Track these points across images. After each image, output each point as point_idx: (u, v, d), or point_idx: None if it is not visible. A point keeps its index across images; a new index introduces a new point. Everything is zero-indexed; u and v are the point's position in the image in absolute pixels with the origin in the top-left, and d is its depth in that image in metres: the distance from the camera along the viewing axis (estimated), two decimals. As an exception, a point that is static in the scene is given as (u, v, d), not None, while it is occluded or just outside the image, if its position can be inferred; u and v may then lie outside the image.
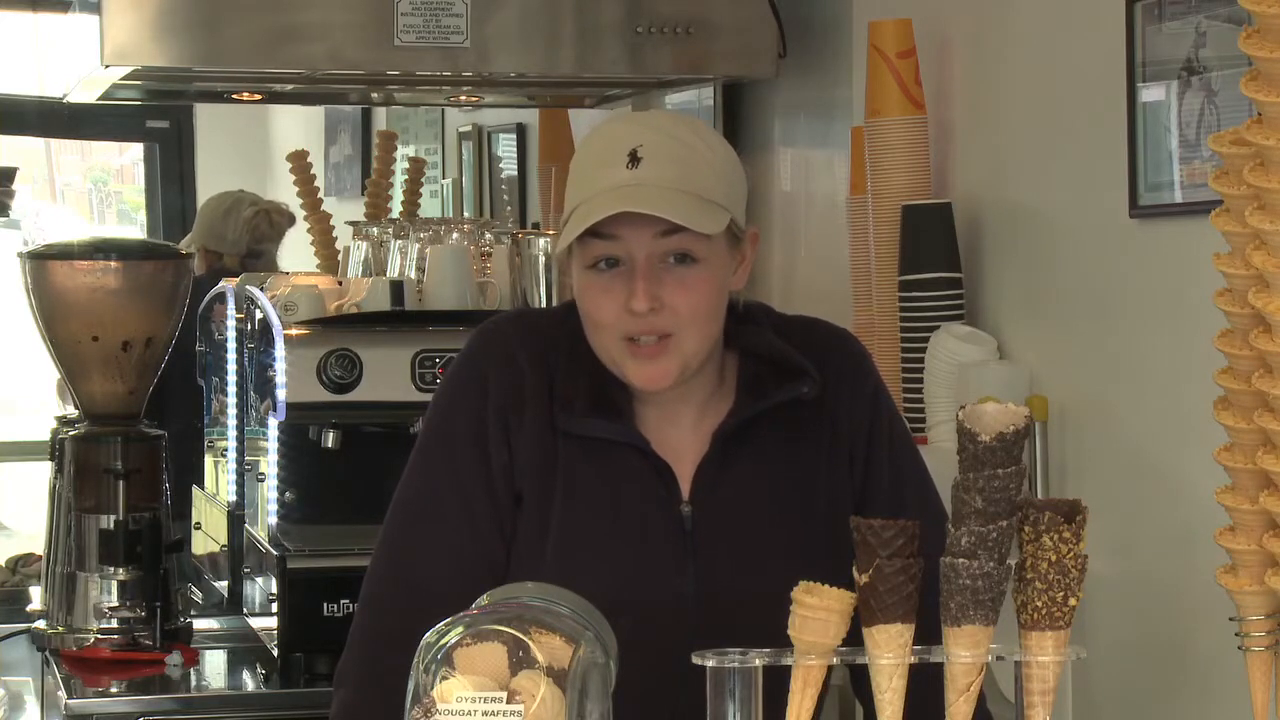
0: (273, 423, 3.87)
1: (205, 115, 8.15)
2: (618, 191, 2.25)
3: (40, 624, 3.98)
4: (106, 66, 4.06)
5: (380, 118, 7.67)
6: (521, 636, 1.91)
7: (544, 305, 4.18)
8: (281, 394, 3.75)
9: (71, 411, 4.26)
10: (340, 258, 5.13)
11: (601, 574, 2.31)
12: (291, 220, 5.98)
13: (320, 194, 6.36)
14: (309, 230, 6.13)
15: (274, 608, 3.71)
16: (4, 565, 4.79)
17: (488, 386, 2.38)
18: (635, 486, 2.37)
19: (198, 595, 4.35)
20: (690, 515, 2.37)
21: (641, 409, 2.38)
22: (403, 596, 2.38)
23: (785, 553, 2.35)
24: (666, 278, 2.27)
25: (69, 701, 3.64)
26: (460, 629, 1.91)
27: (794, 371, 2.38)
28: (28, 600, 4.34)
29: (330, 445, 3.88)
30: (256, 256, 5.80)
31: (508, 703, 1.87)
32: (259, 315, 3.93)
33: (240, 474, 4.17)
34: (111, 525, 3.89)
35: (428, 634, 1.92)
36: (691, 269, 2.28)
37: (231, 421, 4.22)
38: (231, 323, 4.18)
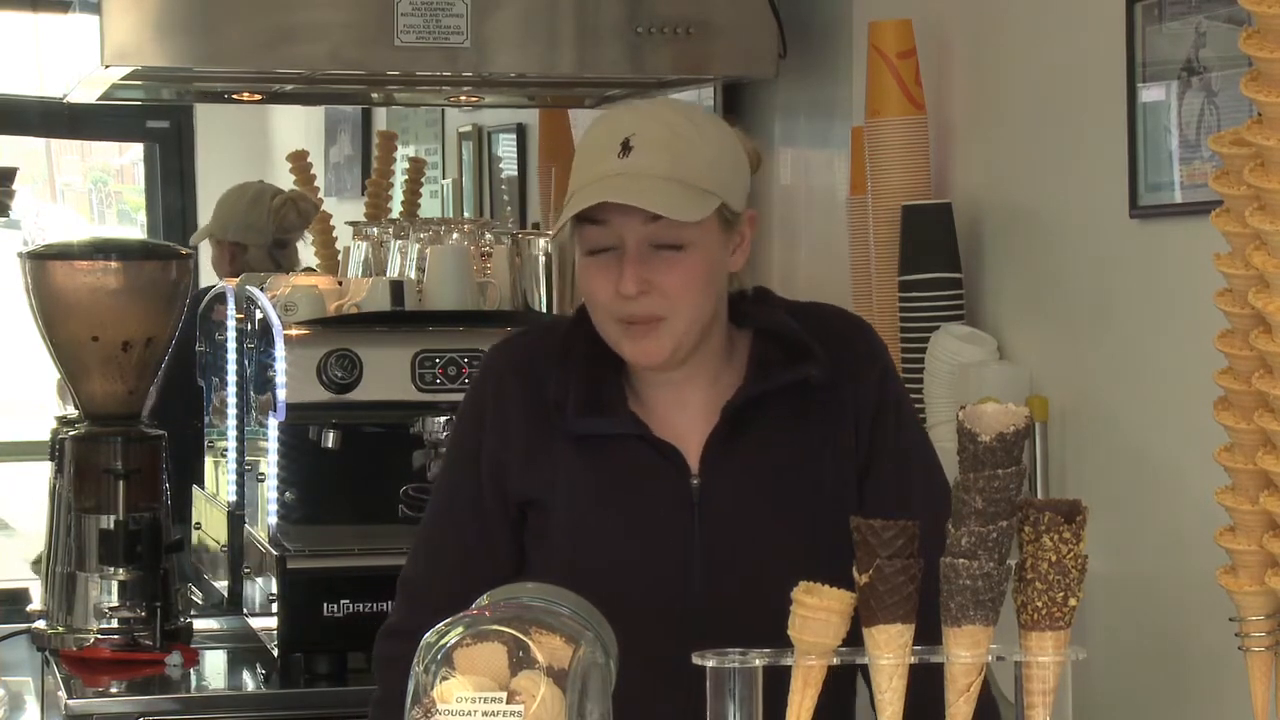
0: (273, 423, 3.87)
1: (205, 115, 8.15)
2: (607, 181, 2.34)
3: (40, 624, 3.98)
4: (106, 66, 4.06)
5: (380, 118, 7.66)
6: (521, 636, 1.91)
7: (544, 305, 4.19)
8: (281, 394, 3.75)
9: (71, 411, 4.26)
10: (340, 258, 5.13)
11: (608, 556, 2.42)
12: (316, 208, 5.95)
13: (320, 194, 6.36)
14: (309, 230, 6.13)
15: (274, 608, 3.71)
16: (31, 563, 4.78)
17: (483, 412, 2.51)
18: (639, 471, 2.44)
19: (198, 595, 4.35)
20: (699, 487, 2.43)
21: (649, 392, 2.46)
22: (411, 599, 2.54)
23: (790, 526, 2.42)
24: (655, 261, 2.36)
25: (69, 701, 3.64)
26: (460, 629, 1.91)
27: (803, 353, 2.45)
28: (28, 600, 4.34)
29: (330, 445, 3.88)
30: (283, 246, 5.77)
31: (508, 703, 1.87)
32: (259, 315, 3.93)
33: (240, 474, 4.17)
34: (111, 525, 3.89)
35: (428, 634, 1.93)
36: (680, 253, 2.37)
37: (231, 421, 4.21)
38: (231, 323, 4.18)
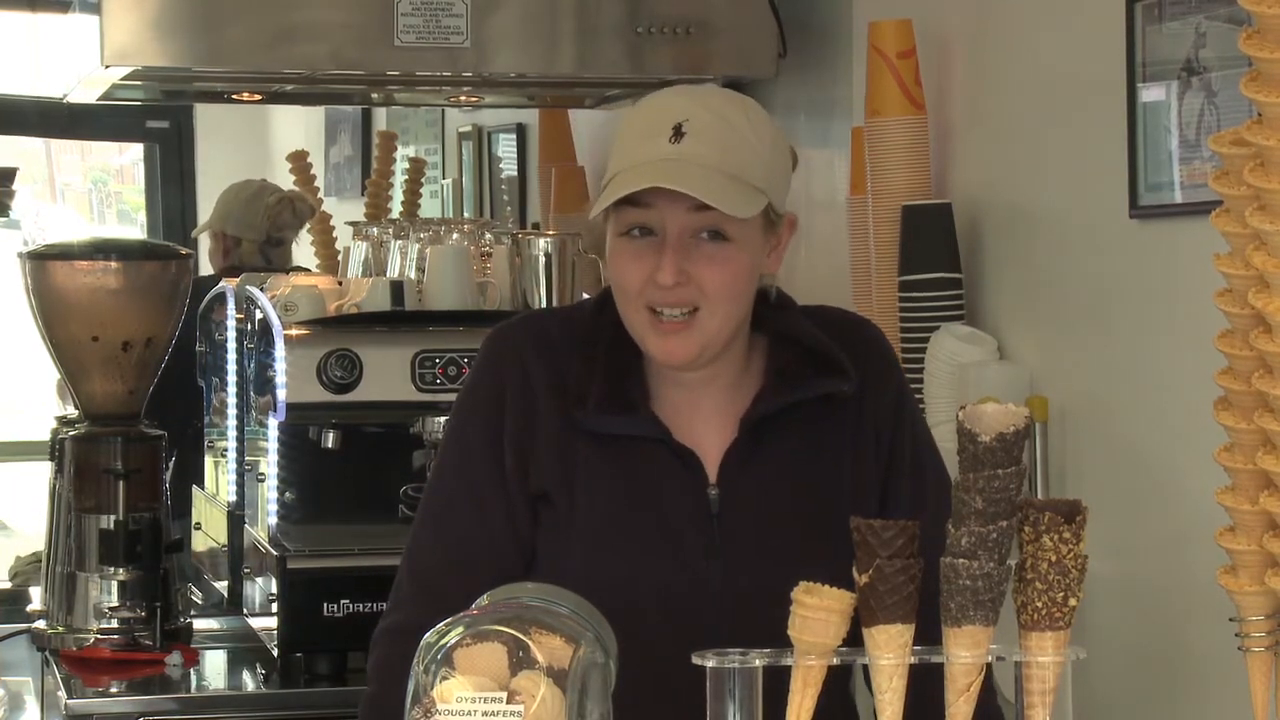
0: (273, 423, 3.87)
1: (205, 115, 8.16)
2: (657, 165, 2.28)
3: (40, 624, 3.98)
4: (106, 66, 4.06)
5: (380, 118, 7.67)
6: (521, 636, 1.90)
7: (544, 305, 4.18)
8: (281, 394, 3.75)
9: (71, 411, 4.26)
10: (340, 258, 5.14)
11: (627, 564, 2.35)
12: (312, 211, 6.00)
13: (320, 194, 6.37)
14: (309, 230, 6.14)
15: (274, 608, 3.71)
16: (24, 558, 4.78)
17: (502, 394, 2.41)
18: (659, 476, 2.38)
19: (198, 595, 4.35)
20: (717, 498, 2.38)
21: (666, 393, 2.40)
22: (417, 595, 2.41)
23: (811, 538, 2.36)
24: (696, 253, 2.30)
25: (69, 701, 3.64)
26: (460, 629, 1.91)
27: (829, 363, 2.41)
28: (28, 600, 4.34)
29: (330, 445, 3.87)
30: (276, 244, 5.81)
31: (508, 703, 1.87)
32: (259, 315, 3.93)
33: (240, 474, 4.17)
34: (111, 525, 3.89)
35: (428, 634, 1.92)
36: (722, 247, 2.32)
37: (231, 421, 4.21)
38: (231, 323, 4.18)
